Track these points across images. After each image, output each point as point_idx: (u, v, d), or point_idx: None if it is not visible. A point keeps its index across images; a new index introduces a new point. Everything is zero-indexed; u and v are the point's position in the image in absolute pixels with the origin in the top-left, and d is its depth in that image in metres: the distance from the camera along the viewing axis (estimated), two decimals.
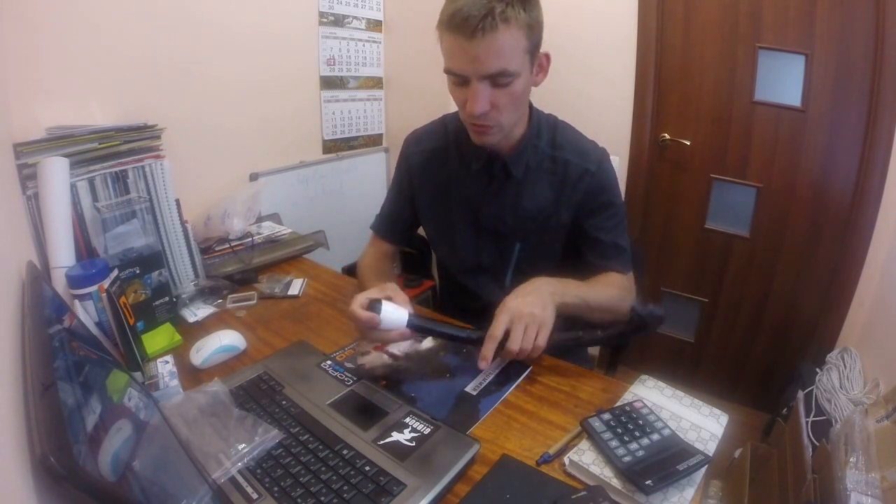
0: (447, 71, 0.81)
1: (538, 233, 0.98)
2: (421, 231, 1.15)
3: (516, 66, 0.78)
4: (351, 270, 1.52)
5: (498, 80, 0.78)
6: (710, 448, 0.66)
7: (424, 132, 1.08)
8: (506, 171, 0.95)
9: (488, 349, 0.74)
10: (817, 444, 1.14)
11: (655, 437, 0.65)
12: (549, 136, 0.97)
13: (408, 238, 1.15)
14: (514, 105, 0.83)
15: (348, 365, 0.84)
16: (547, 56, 0.86)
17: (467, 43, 0.75)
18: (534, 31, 0.78)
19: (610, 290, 0.93)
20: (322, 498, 0.56)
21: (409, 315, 0.76)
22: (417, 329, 0.77)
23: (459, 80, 0.81)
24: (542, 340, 0.75)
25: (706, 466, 0.61)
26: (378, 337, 0.77)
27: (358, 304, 0.76)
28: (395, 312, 0.74)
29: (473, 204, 1.00)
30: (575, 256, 1.00)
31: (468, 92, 0.80)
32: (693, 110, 1.74)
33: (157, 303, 0.95)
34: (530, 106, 0.97)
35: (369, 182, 2.03)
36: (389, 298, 0.77)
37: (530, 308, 0.76)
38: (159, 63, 1.23)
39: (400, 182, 1.10)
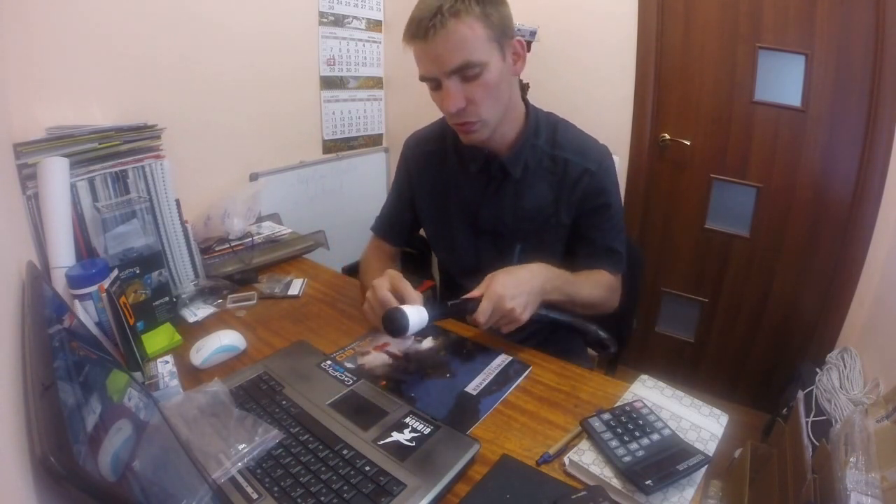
0: (421, 78, 0.83)
1: (538, 233, 0.98)
2: (422, 232, 1.15)
3: (480, 56, 0.78)
4: (351, 270, 1.53)
5: (466, 73, 0.79)
6: (710, 448, 0.66)
7: (424, 134, 1.08)
8: (504, 171, 0.95)
9: (475, 323, 0.81)
10: (817, 444, 1.14)
11: (655, 437, 0.65)
12: (548, 134, 0.96)
13: (407, 240, 1.15)
14: (492, 96, 0.83)
15: (348, 365, 0.84)
16: (521, 43, 0.85)
17: (425, 45, 0.77)
18: (492, 19, 0.78)
19: (598, 291, 0.95)
20: (322, 498, 0.56)
21: (428, 311, 0.77)
22: (437, 319, 0.79)
23: (433, 84, 0.82)
24: (507, 331, 0.82)
25: (706, 466, 0.61)
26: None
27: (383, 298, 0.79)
28: (419, 316, 0.76)
29: (472, 205, 1.00)
30: (568, 255, 1.00)
31: (442, 92, 0.81)
32: (693, 110, 1.74)
33: (157, 303, 0.95)
34: (528, 105, 0.96)
35: (369, 182, 2.04)
36: (398, 291, 0.80)
37: (512, 304, 0.79)
38: (159, 63, 1.24)
39: (400, 184, 1.10)
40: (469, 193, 1.00)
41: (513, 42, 0.84)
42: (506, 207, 0.98)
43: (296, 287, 1.12)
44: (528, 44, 1.49)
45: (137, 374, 0.77)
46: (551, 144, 0.96)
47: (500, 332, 0.83)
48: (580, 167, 0.94)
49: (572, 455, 0.64)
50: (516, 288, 0.80)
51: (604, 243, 0.97)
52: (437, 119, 1.07)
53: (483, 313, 0.78)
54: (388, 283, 0.82)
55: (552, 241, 0.99)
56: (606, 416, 0.68)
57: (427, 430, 0.67)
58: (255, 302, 1.06)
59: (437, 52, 0.77)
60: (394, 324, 0.74)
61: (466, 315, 0.82)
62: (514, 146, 0.94)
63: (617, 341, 1.24)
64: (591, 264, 0.97)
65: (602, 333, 0.96)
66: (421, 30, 0.76)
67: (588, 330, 0.97)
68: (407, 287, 0.81)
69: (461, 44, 0.76)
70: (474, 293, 0.81)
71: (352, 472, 0.59)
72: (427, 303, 0.79)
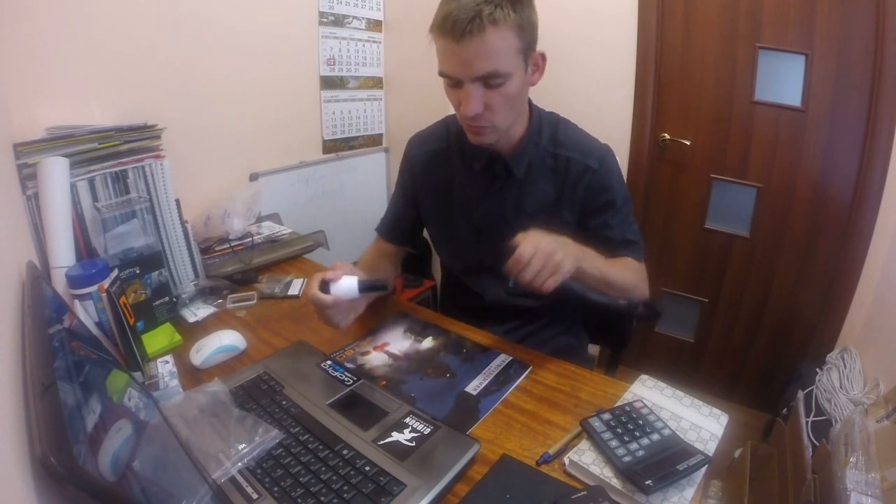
0: (441, 73, 0.82)
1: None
2: (424, 233, 1.15)
3: (508, 67, 0.78)
4: None
5: (490, 81, 0.79)
6: (710, 448, 0.66)
7: (427, 133, 1.08)
8: (507, 170, 0.96)
9: (513, 270, 0.74)
10: (817, 444, 1.14)
11: (655, 437, 0.65)
12: (550, 133, 0.97)
13: (411, 239, 1.16)
14: (509, 105, 0.84)
15: (348, 365, 0.84)
16: (542, 55, 0.86)
17: (457, 46, 0.75)
18: (525, 31, 0.78)
19: (627, 273, 0.93)
20: (322, 498, 0.56)
21: (359, 281, 0.79)
22: (368, 289, 0.81)
23: (453, 82, 0.82)
24: (550, 286, 0.74)
25: (706, 466, 0.61)
26: (333, 316, 0.81)
27: (315, 288, 0.79)
28: (345, 282, 0.78)
29: (475, 204, 1.00)
30: None
31: (462, 94, 0.81)
32: (693, 110, 1.74)
33: (157, 303, 0.95)
34: (531, 105, 0.97)
35: (369, 182, 2.03)
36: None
37: (553, 248, 0.74)
38: (159, 63, 1.23)
39: (403, 184, 1.10)
40: (472, 192, 1.00)
41: (536, 55, 0.84)
42: (508, 206, 0.98)
43: (296, 287, 1.12)
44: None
45: (137, 374, 0.77)
46: (553, 143, 0.96)
47: (537, 291, 0.75)
48: (581, 165, 0.94)
49: (572, 455, 0.64)
50: (554, 240, 0.76)
51: (619, 237, 0.97)
52: (440, 119, 1.07)
53: (525, 253, 0.72)
54: (320, 276, 0.80)
55: None
56: (606, 416, 0.68)
57: (427, 430, 0.67)
58: (255, 302, 1.06)
59: (467, 56, 0.76)
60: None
61: (507, 272, 0.75)
62: (518, 146, 0.95)
63: (617, 341, 1.25)
64: (612, 256, 0.96)
65: (647, 304, 0.93)
66: (457, 31, 0.74)
67: (631, 305, 0.92)
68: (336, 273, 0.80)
69: (493, 53, 0.76)
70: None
71: (352, 472, 0.59)
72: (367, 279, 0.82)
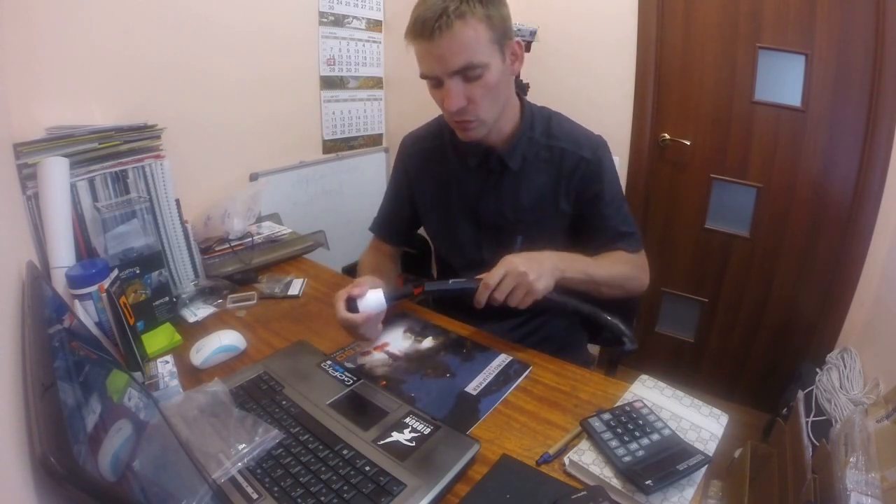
0: (422, 76, 0.84)
1: (538, 224, 0.99)
2: (421, 231, 1.15)
3: (482, 58, 0.80)
4: (351, 270, 1.53)
5: (468, 73, 0.80)
6: (710, 448, 0.66)
7: (420, 132, 1.09)
8: (502, 164, 0.96)
9: (482, 295, 0.80)
10: (817, 444, 1.14)
11: (655, 437, 0.65)
12: (542, 126, 0.97)
13: (407, 238, 1.16)
14: (491, 97, 0.85)
15: (348, 365, 0.84)
16: (519, 44, 0.87)
17: (430, 45, 0.78)
18: (494, 21, 0.79)
19: (618, 267, 0.94)
20: (322, 498, 0.56)
21: (384, 293, 0.82)
22: (395, 298, 0.85)
23: (434, 83, 0.84)
24: (525, 305, 0.81)
25: (706, 466, 0.61)
26: (365, 332, 0.84)
27: (343, 309, 0.82)
28: (372, 296, 0.81)
29: (473, 199, 1.01)
30: (578, 246, 1.00)
31: (443, 91, 0.82)
32: (693, 110, 1.74)
33: (157, 303, 0.95)
34: (523, 100, 0.98)
35: (369, 182, 2.03)
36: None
37: (526, 268, 0.79)
38: (159, 63, 1.23)
39: (397, 182, 1.11)
40: (469, 188, 1.00)
41: (512, 43, 0.85)
42: (505, 200, 0.98)
43: (296, 287, 1.12)
44: (528, 44, 1.49)
45: (137, 374, 0.77)
46: (547, 136, 0.97)
47: (516, 308, 0.81)
48: (576, 156, 0.95)
49: (572, 455, 0.64)
50: (529, 259, 0.81)
51: (613, 228, 0.98)
52: (433, 118, 1.08)
53: (494, 276, 0.78)
54: (345, 294, 0.83)
55: (553, 230, 1.00)
56: (606, 416, 0.68)
57: (427, 430, 0.67)
58: (255, 302, 1.06)
59: (440, 53, 0.78)
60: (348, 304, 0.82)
61: (472, 295, 0.81)
62: (511, 140, 0.95)
63: (617, 341, 1.24)
64: (606, 250, 0.98)
65: (623, 328, 0.92)
66: (426, 30, 0.76)
67: (608, 324, 0.93)
68: (363, 288, 0.83)
69: (465, 46, 0.78)
70: (483, 275, 0.82)
71: (352, 472, 0.59)
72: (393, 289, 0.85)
